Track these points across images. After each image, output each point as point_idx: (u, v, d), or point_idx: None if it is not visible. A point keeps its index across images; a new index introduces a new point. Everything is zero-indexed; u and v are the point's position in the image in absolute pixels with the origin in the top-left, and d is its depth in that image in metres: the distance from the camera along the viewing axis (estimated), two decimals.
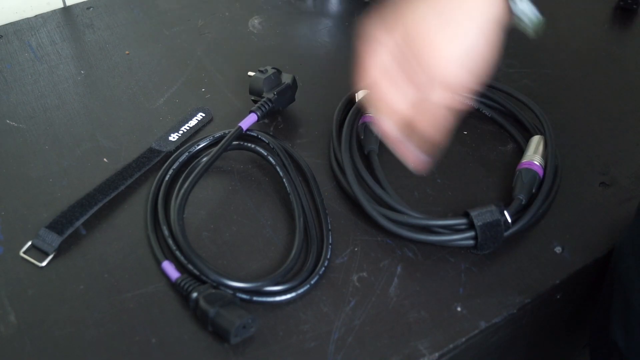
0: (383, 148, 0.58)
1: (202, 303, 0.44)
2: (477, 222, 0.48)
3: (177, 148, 0.58)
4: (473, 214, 0.49)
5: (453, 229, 0.50)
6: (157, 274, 0.48)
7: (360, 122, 0.58)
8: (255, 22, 0.74)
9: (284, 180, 0.54)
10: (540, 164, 0.54)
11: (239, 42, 0.71)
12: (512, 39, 0.72)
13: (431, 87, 0.45)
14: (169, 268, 0.48)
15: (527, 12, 0.44)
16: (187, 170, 0.55)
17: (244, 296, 0.46)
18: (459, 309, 0.47)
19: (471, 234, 0.49)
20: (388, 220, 0.50)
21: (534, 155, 0.55)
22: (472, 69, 0.44)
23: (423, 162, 0.48)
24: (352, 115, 0.58)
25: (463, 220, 0.49)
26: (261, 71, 0.59)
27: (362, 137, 0.57)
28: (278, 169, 0.54)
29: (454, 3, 0.44)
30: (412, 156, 0.48)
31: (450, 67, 0.44)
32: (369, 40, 0.46)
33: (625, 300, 0.47)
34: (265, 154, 0.55)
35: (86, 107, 0.63)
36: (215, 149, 0.54)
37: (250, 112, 0.57)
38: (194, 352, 0.44)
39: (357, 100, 0.60)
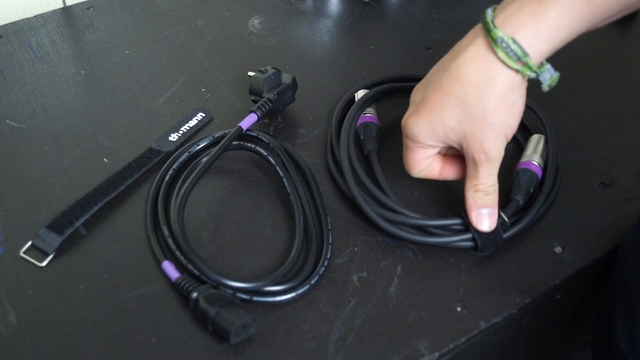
0: (382, 148, 0.58)
1: (202, 303, 0.44)
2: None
3: (177, 148, 0.58)
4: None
5: (449, 230, 0.50)
6: (157, 274, 0.48)
7: (359, 122, 0.58)
8: (255, 22, 0.74)
9: (284, 180, 0.54)
10: (538, 163, 0.54)
11: (239, 42, 0.71)
12: None
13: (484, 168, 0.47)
14: (169, 268, 0.48)
15: (549, 77, 0.43)
16: (187, 170, 0.55)
17: (244, 296, 0.46)
18: (459, 309, 0.47)
19: (468, 235, 0.49)
20: (385, 221, 0.50)
21: (532, 155, 0.54)
22: (507, 139, 0.45)
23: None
24: (350, 115, 0.58)
25: (458, 221, 0.49)
26: (261, 71, 0.59)
27: (362, 137, 0.57)
28: (278, 169, 0.54)
29: (476, 99, 0.43)
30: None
31: (490, 147, 0.45)
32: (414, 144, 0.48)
33: (629, 303, 0.47)
34: (265, 154, 0.55)
35: (86, 107, 0.63)
36: (215, 149, 0.54)
37: (250, 112, 0.57)
38: (194, 352, 0.44)
39: (356, 99, 0.60)
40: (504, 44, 0.41)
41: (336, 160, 0.56)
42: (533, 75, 0.42)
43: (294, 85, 0.60)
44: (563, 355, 0.67)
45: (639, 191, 0.55)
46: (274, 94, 0.58)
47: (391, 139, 0.59)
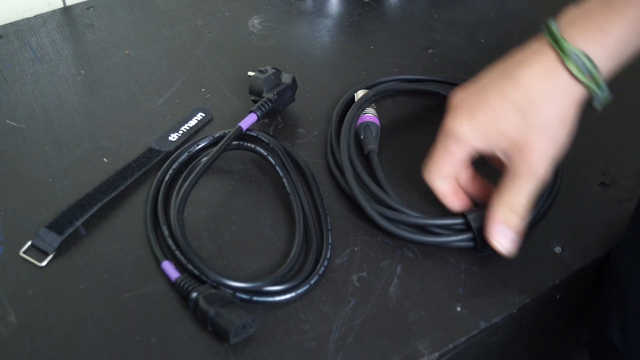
0: (382, 148, 0.58)
1: (202, 303, 0.44)
2: (474, 225, 0.48)
3: (177, 148, 0.58)
4: (470, 216, 0.49)
5: (451, 229, 0.50)
6: (157, 274, 0.48)
7: (359, 122, 0.58)
8: (255, 22, 0.74)
9: (284, 180, 0.54)
10: None
11: (239, 42, 0.71)
12: (512, 39, 0.72)
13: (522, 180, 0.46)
14: (169, 268, 0.48)
15: (606, 99, 0.44)
16: (187, 170, 0.55)
17: (243, 296, 0.46)
18: (459, 309, 0.47)
19: (469, 235, 0.49)
20: (386, 219, 0.50)
21: None
22: (554, 160, 0.45)
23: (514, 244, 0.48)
24: (350, 115, 0.58)
25: (460, 220, 0.49)
26: (261, 71, 0.59)
27: (362, 137, 0.57)
28: (278, 169, 0.54)
29: (535, 101, 0.43)
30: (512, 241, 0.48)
31: (539, 160, 0.45)
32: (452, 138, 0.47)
33: (622, 299, 0.47)
34: (265, 154, 0.56)
35: (86, 107, 0.63)
36: (215, 149, 0.54)
37: (250, 112, 0.57)
38: (194, 352, 0.44)
39: (356, 100, 0.60)
40: (575, 58, 0.41)
41: (336, 160, 0.56)
42: (598, 91, 0.43)
43: (294, 85, 0.60)
44: (563, 355, 0.67)
45: (639, 191, 0.55)
46: (274, 94, 0.58)
47: (391, 139, 0.59)
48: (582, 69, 0.42)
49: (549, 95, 0.43)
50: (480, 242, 0.49)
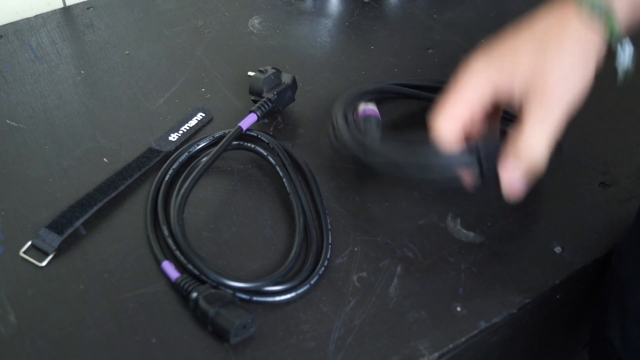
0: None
1: (202, 303, 0.44)
2: (483, 154, 0.45)
3: (177, 148, 0.58)
4: (480, 144, 0.46)
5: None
6: (157, 274, 0.48)
7: (361, 115, 0.57)
8: (255, 22, 0.74)
9: (284, 180, 0.54)
10: None
11: (239, 42, 0.71)
12: None
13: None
14: (169, 268, 0.48)
15: (628, 60, 0.43)
16: (187, 170, 0.55)
17: (243, 296, 0.46)
18: (459, 309, 0.47)
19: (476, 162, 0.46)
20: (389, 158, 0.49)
21: None
22: (569, 110, 0.43)
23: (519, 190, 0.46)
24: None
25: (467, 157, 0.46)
26: (261, 71, 0.59)
27: (363, 129, 0.56)
28: (278, 169, 0.54)
29: (551, 37, 0.43)
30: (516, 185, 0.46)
31: (554, 106, 0.43)
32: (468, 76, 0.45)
33: (622, 300, 0.47)
34: (265, 153, 0.56)
35: (86, 107, 0.63)
36: (215, 149, 0.54)
37: (250, 112, 0.57)
38: (194, 352, 0.44)
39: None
40: (590, 5, 0.42)
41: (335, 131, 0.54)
42: (613, 40, 0.42)
43: (294, 85, 0.60)
44: (563, 355, 0.67)
45: (639, 191, 0.55)
46: (274, 94, 0.58)
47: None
48: (595, 14, 0.41)
49: (563, 42, 0.42)
50: (486, 168, 0.46)
